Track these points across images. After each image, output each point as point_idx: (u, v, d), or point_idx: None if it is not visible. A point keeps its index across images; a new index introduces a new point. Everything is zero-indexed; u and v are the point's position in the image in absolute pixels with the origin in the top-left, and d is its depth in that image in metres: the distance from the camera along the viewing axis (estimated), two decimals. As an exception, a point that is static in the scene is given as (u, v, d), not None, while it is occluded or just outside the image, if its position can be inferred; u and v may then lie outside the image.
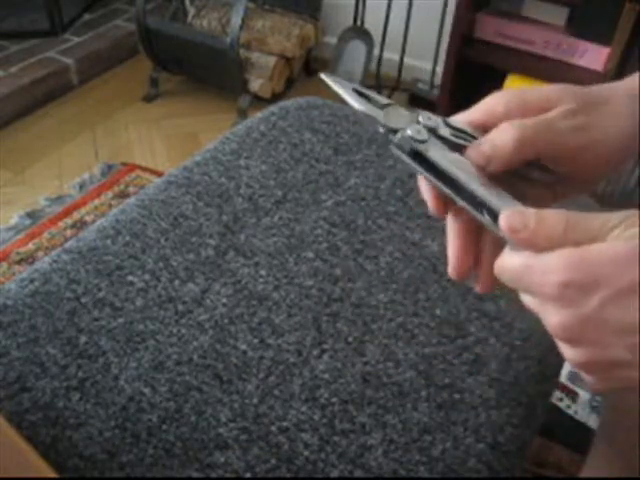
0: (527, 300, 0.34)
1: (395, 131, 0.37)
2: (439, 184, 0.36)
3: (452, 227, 0.39)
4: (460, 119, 0.39)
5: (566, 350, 0.33)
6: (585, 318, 0.31)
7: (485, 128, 0.38)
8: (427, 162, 0.36)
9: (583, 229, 0.32)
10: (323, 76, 0.40)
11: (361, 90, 0.38)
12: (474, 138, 0.37)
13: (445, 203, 0.38)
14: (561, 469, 1.01)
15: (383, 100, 0.38)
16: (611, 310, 0.30)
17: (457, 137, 0.37)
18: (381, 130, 0.37)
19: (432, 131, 0.37)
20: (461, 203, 0.35)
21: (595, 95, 0.38)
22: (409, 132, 0.36)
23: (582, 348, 0.32)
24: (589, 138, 0.37)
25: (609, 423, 0.72)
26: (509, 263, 0.34)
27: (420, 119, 0.37)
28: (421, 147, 0.36)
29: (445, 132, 0.37)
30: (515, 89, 0.39)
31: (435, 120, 0.37)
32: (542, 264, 0.32)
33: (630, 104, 0.38)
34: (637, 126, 0.38)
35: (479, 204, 0.35)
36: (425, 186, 0.38)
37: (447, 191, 0.36)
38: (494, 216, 0.34)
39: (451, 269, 0.39)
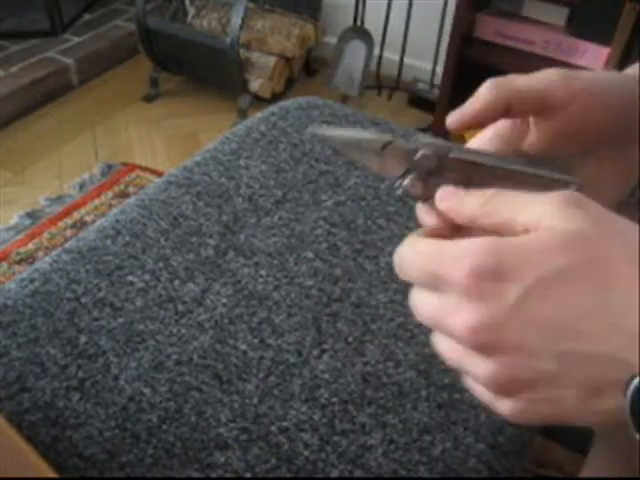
0: (437, 304, 0.28)
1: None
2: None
3: None
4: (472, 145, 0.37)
5: (477, 364, 0.27)
6: (503, 314, 0.25)
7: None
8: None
9: (502, 202, 0.28)
10: (311, 130, 0.36)
11: (353, 140, 0.35)
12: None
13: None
14: (561, 469, 1.01)
15: (379, 140, 0.34)
16: (534, 304, 0.25)
17: (454, 170, 0.34)
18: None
19: (428, 172, 0.33)
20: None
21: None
22: (406, 186, 0.34)
23: (500, 357, 0.26)
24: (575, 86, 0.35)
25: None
26: (418, 247, 0.30)
27: (417, 158, 0.33)
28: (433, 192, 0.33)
29: (445, 167, 0.33)
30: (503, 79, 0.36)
31: (433, 154, 0.33)
32: (455, 248, 0.27)
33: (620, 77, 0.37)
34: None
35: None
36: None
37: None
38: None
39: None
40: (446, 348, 0.29)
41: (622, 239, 0.26)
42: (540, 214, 0.27)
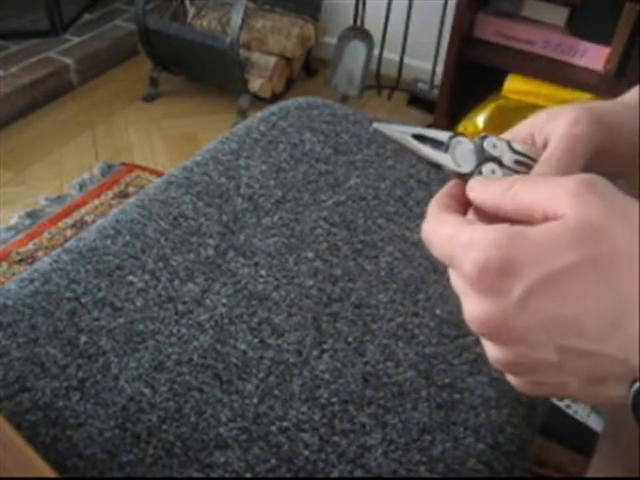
0: (453, 279, 0.30)
1: (466, 174, 0.35)
2: None
3: None
4: (520, 140, 0.37)
5: (487, 346, 0.29)
6: (506, 309, 0.26)
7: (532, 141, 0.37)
8: None
9: (524, 188, 0.29)
10: (376, 125, 0.38)
11: (420, 133, 0.37)
12: (534, 162, 0.36)
13: None
14: (561, 469, 1.01)
15: (444, 135, 0.37)
16: (538, 300, 0.25)
17: (519, 164, 0.36)
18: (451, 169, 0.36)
19: (498, 162, 0.35)
20: None
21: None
22: (484, 174, 0.35)
23: (504, 346, 0.28)
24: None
25: (613, 422, 0.72)
26: (439, 224, 0.30)
27: (486, 147, 0.35)
28: None
29: (509, 160, 0.36)
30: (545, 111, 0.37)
31: (500, 146, 0.36)
32: (468, 237, 0.27)
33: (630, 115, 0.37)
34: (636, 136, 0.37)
35: None
36: None
37: None
38: None
39: None
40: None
41: (633, 233, 0.25)
42: (556, 200, 0.27)
